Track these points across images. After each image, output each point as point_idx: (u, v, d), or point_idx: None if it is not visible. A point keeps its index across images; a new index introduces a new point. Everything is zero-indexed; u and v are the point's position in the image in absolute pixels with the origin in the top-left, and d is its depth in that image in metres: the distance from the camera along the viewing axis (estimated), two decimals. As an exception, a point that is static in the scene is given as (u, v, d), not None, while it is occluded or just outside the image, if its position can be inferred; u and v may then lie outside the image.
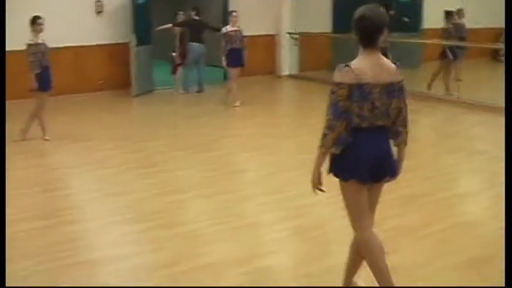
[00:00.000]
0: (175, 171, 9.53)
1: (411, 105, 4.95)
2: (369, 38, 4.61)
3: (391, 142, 4.81)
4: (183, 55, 16.29)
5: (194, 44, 16.03)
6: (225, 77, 17.11)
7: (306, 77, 18.20)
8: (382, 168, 4.75)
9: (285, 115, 15.01)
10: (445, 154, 10.53)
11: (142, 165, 9.86)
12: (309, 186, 4.80)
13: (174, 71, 16.66)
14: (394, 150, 4.86)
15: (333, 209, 5.03)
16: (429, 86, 15.69)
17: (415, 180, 8.67)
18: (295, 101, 17.30)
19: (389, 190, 7.42)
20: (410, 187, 8.33)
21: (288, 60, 19.48)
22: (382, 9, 4.69)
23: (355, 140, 4.61)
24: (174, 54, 16.33)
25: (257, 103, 15.08)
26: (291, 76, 19.33)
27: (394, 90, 4.67)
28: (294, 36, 19.29)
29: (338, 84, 4.55)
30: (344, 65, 4.57)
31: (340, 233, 5.32)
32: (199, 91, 16.54)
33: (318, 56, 18.56)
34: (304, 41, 19.39)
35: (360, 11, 4.62)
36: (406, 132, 4.83)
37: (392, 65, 4.73)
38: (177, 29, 16.24)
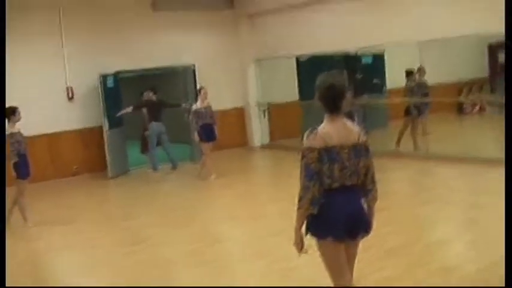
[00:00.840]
0: (160, 247, 9.69)
1: (384, 163, 5.25)
2: (334, 104, 4.96)
3: (363, 200, 5.09)
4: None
5: (153, 123, 16.31)
6: (192, 153, 17.56)
7: (278, 146, 18.52)
8: (357, 225, 5.02)
9: (260, 184, 15.24)
10: (419, 206, 10.81)
11: (127, 244, 10.00)
12: (293, 249, 5.06)
13: (143, 150, 16.90)
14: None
15: (318, 270, 5.25)
16: (398, 143, 16.07)
17: (391, 234, 8.95)
18: (270, 169, 17.56)
19: (368, 246, 7.69)
20: (388, 241, 8.59)
21: (258, 131, 19.83)
22: (342, 76, 5.06)
23: (328, 201, 4.89)
24: (146, 132, 16.56)
25: (232, 174, 15.32)
26: (263, 146, 19.64)
27: (360, 150, 5.00)
28: (262, 107, 19.66)
29: (308, 148, 4.87)
30: (311, 130, 4.91)
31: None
32: (173, 168, 16.76)
33: (288, 125, 18.86)
34: (273, 110, 19.74)
35: (324, 80, 4.98)
36: (375, 189, 5.15)
37: (356, 127, 5.09)
38: (144, 109, 16.54)
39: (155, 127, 16.30)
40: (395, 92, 17.86)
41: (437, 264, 7.66)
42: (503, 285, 6.44)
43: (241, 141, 19.62)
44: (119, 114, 16.37)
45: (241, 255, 8.99)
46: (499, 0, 12.82)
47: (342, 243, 5.01)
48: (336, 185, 4.90)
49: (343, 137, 4.94)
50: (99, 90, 16.24)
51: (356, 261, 5.27)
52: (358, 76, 18.96)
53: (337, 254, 5.02)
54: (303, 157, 4.89)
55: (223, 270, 8.20)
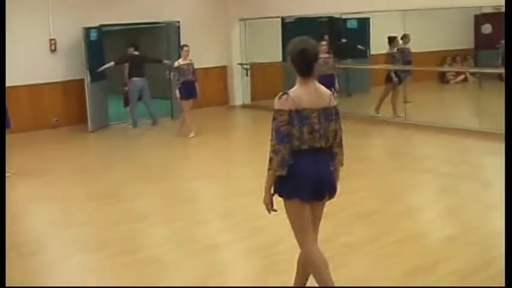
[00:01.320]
0: (132, 201, 9.77)
1: (362, 128, 5.32)
2: (306, 68, 5.03)
3: (330, 163, 5.17)
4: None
5: (135, 78, 16.34)
6: (172, 109, 17.65)
7: (259, 106, 18.52)
8: (323, 187, 5.11)
9: (238, 143, 15.33)
10: (393, 173, 10.92)
11: (100, 197, 10.08)
12: (262, 209, 5.16)
13: (125, 104, 16.91)
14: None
15: (285, 229, 5.34)
16: (377, 109, 16.13)
17: (364, 199, 9.13)
18: (248, 129, 17.62)
19: (339, 209, 7.85)
20: (360, 205, 8.76)
21: (240, 90, 19.83)
22: (313, 41, 5.12)
23: (296, 162, 4.97)
24: (126, 88, 16.59)
25: (211, 133, 15.34)
26: (243, 106, 19.65)
27: (330, 114, 5.06)
28: (245, 66, 19.66)
29: (278, 111, 4.95)
30: (282, 93, 4.97)
31: (291, 251, 5.63)
32: (153, 124, 16.82)
33: (270, 86, 18.81)
34: (256, 71, 19.76)
35: (297, 45, 5.05)
36: (342, 154, 5.22)
37: (328, 91, 5.15)
38: (126, 65, 16.55)
39: (137, 82, 16.32)
40: (379, 58, 17.86)
41: (404, 232, 7.73)
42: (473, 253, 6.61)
43: (223, 100, 19.60)
44: (101, 69, 16.31)
45: (210, 214, 9.09)
46: None
47: (307, 204, 5.09)
48: (304, 147, 4.98)
49: (314, 100, 5.01)
50: (82, 43, 16.13)
51: (324, 222, 5.35)
52: (343, 40, 18.98)
53: (303, 214, 5.10)
54: (274, 119, 4.97)
55: (191, 228, 8.26)
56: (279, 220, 5.47)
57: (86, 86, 16.18)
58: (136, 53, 16.56)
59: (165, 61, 16.60)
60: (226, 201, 9.49)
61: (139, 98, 16.56)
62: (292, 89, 5.06)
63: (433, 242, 7.43)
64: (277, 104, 4.98)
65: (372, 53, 19.67)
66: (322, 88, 5.15)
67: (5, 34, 9.36)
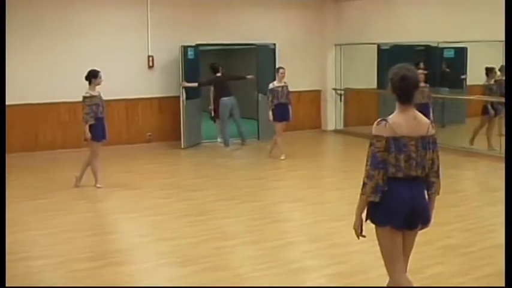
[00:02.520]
0: (221, 220, 9.86)
1: (456, 159, 5.28)
2: (407, 95, 5.04)
3: (425, 192, 5.14)
4: (216, 110, 16.88)
5: (223, 98, 16.61)
6: (259, 130, 17.89)
7: (351, 132, 18.48)
8: (416, 216, 5.08)
9: (329, 168, 15.30)
10: (485, 207, 10.73)
11: (191, 213, 10.21)
12: (351, 235, 5.17)
13: (214, 120, 17.27)
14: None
15: (374, 257, 5.31)
16: (471, 141, 15.85)
17: (455, 232, 8.99)
18: (340, 155, 17.55)
19: (431, 241, 7.78)
20: (451, 238, 8.63)
21: (333, 115, 19.83)
22: (415, 68, 5.15)
23: (391, 189, 4.97)
24: (210, 107, 16.90)
25: (302, 156, 15.38)
26: (336, 131, 19.63)
27: (428, 143, 5.05)
28: (339, 91, 19.65)
29: (376, 136, 4.97)
30: (381, 119, 4.98)
31: (379, 280, 5.59)
32: (243, 143, 16.99)
33: (363, 112, 18.78)
34: (349, 96, 19.74)
35: (398, 71, 5.04)
36: (439, 183, 5.20)
37: (426, 120, 5.14)
38: (212, 87, 16.97)
39: (226, 102, 16.57)
40: (475, 89, 17.58)
41: (495, 267, 7.59)
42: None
43: (315, 124, 19.63)
44: (185, 85, 16.55)
45: (298, 237, 9.06)
46: None
47: (399, 233, 5.08)
48: (400, 174, 4.97)
49: (412, 128, 5.00)
50: (180, 61, 16.48)
51: (414, 252, 5.31)
52: (447, 69, 18.74)
53: (394, 242, 5.09)
54: (370, 145, 4.99)
55: (278, 249, 8.28)
56: (368, 247, 5.46)
57: (181, 103, 16.44)
58: (218, 74, 16.80)
59: (248, 76, 16.70)
60: (315, 225, 9.47)
61: (230, 116, 16.78)
62: (391, 115, 5.06)
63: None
64: (375, 129, 4.99)
65: (468, 83, 19.37)
66: (421, 116, 5.13)
67: (5, 34, 9.64)
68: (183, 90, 16.37)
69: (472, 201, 11.16)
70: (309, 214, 10.21)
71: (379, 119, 5.01)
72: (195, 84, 16.64)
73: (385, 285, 5.27)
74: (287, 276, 7.24)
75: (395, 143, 4.93)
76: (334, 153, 17.91)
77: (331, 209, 10.37)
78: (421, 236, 5.33)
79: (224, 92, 16.65)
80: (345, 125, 19.71)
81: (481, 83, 16.12)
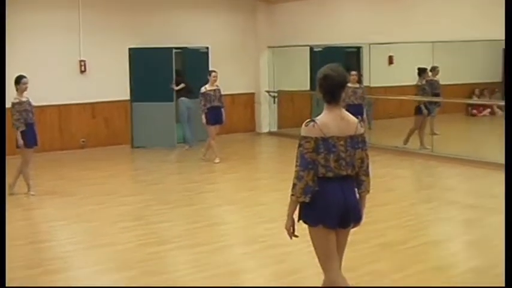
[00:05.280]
0: (157, 224, 9.77)
1: (389, 158, 5.32)
2: (332, 94, 5.05)
3: (356, 191, 5.18)
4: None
5: (182, 98, 17.02)
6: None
7: (285, 133, 18.56)
8: (348, 215, 5.10)
9: (264, 170, 15.31)
10: (419, 204, 10.87)
11: (126, 219, 10.11)
12: (287, 236, 5.18)
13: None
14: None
15: (309, 257, 5.33)
16: (406, 141, 16.04)
17: (390, 229, 9.10)
18: (275, 156, 17.61)
19: (366, 239, 7.85)
20: (386, 236, 8.72)
21: (267, 117, 19.89)
22: (342, 68, 5.13)
23: (322, 189, 4.98)
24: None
25: (237, 159, 15.41)
26: (270, 133, 19.71)
27: (357, 142, 5.08)
28: (273, 94, 19.71)
29: (305, 137, 4.97)
30: (310, 120, 5.00)
31: (315, 278, 5.62)
32: (189, 146, 16.97)
33: (297, 113, 18.86)
34: (283, 98, 19.82)
35: (323, 70, 5.07)
36: (369, 182, 5.22)
37: (354, 119, 5.17)
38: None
39: (185, 102, 17.01)
40: (408, 89, 17.78)
41: (430, 263, 7.71)
42: (499, 285, 6.54)
43: (249, 127, 19.66)
44: (176, 88, 17.20)
45: (235, 239, 9.05)
46: None
47: (332, 231, 5.09)
48: (330, 174, 4.99)
49: (341, 128, 5.02)
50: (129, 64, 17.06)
51: (350, 251, 5.34)
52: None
53: (327, 241, 5.10)
54: (299, 146, 4.99)
55: (215, 252, 8.25)
56: (304, 247, 5.48)
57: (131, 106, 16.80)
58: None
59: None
60: (252, 227, 9.48)
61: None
62: (319, 116, 5.07)
63: (457, 273, 7.36)
64: (303, 131, 5.00)
65: (399, 84, 19.55)
66: (349, 116, 5.16)
67: (5, 34, 9.47)
68: (131, 93, 16.82)
69: (406, 199, 11.29)
70: (245, 216, 10.23)
71: (307, 120, 5.03)
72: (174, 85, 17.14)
73: (321, 283, 5.30)
74: (224, 278, 7.21)
75: (324, 143, 4.95)
76: (269, 155, 17.96)
77: (267, 211, 10.38)
78: (357, 234, 5.38)
79: (182, 93, 17.02)
80: (279, 127, 19.79)
81: (412, 84, 16.32)
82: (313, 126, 4.97)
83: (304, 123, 5.03)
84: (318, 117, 5.05)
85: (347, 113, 5.17)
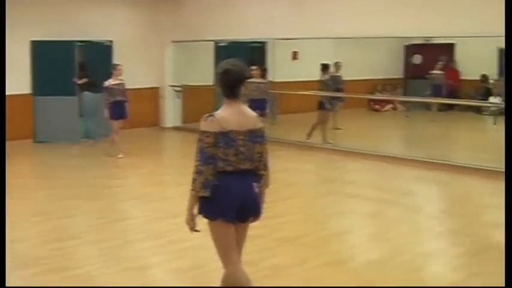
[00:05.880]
0: (61, 220, 9.68)
1: (292, 153, 5.41)
2: (231, 89, 5.13)
3: (255, 185, 5.25)
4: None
5: (86, 93, 16.94)
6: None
7: (190, 128, 18.55)
8: (247, 209, 5.20)
9: (168, 165, 15.33)
10: (320, 198, 11.10)
11: (32, 215, 9.98)
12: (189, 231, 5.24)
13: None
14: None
15: (212, 251, 5.39)
16: (309, 135, 16.26)
17: (291, 223, 9.27)
18: (179, 151, 17.60)
19: (266, 232, 7.98)
20: (286, 230, 8.86)
21: (171, 112, 19.90)
22: (242, 63, 5.22)
23: (221, 183, 5.05)
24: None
25: (141, 154, 15.34)
26: (174, 128, 19.70)
27: (256, 136, 5.17)
28: (177, 88, 19.71)
29: (204, 132, 5.04)
30: (209, 115, 5.06)
31: (217, 273, 5.68)
32: (94, 142, 16.78)
33: (201, 108, 18.52)
34: (188, 93, 19.81)
35: (223, 65, 5.15)
36: (268, 175, 5.31)
37: (253, 113, 5.25)
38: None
39: (88, 96, 16.86)
40: (312, 84, 18.02)
41: (332, 255, 7.88)
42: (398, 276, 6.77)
43: (154, 121, 19.63)
44: (79, 82, 16.99)
45: (140, 234, 9.04)
46: (421, 5, 13.48)
47: (231, 225, 5.17)
48: (229, 168, 5.06)
49: (240, 122, 5.10)
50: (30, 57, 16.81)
51: (250, 245, 5.43)
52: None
53: (227, 235, 5.18)
54: (199, 140, 5.05)
55: (121, 247, 8.26)
56: (206, 242, 5.51)
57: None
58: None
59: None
60: (156, 222, 9.50)
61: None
62: (218, 111, 5.14)
63: (358, 265, 7.56)
64: (202, 125, 5.06)
65: (302, 79, 19.80)
66: (248, 110, 5.25)
67: (5, 34, 9.25)
68: (33, 87, 16.85)
69: (307, 193, 11.50)
70: (149, 211, 10.23)
71: (206, 115, 5.08)
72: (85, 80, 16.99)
73: (222, 278, 5.37)
74: (129, 274, 7.23)
75: (224, 137, 5.01)
76: (173, 150, 17.97)
77: (171, 206, 10.39)
78: (258, 228, 5.47)
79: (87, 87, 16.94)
80: (184, 121, 19.79)
81: (317, 78, 16.56)
82: (212, 120, 5.03)
83: (203, 117, 5.08)
84: (217, 112, 5.11)
85: (246, 107, 5.26)
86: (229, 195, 5.07)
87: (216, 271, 6.08)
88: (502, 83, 22.68)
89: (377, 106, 23.52)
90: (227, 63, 5.15)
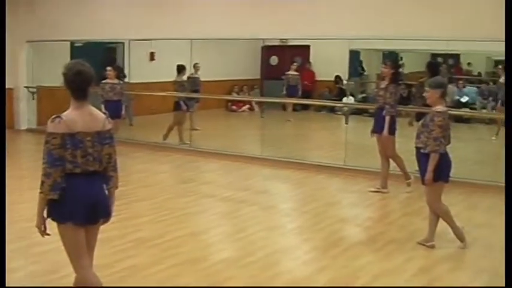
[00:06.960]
0: None
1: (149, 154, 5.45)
2: (81, 90, 5.14)
3: (104, 186, 5.28)
4: None
5: None
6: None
7: (45, 130, 18.14)
8: (97, 211, 5.20)
9: (24, 168, 14.97)
10: (177, 198, 11.13)
11: None
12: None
13: None
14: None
15: (65, 256, 5.35)
16: (166, 136, 16.32)
17: (147, 224, 9.29)
18: (34, 154, 17.11)
19: (121, 234, 7.98)
20: (142, 231, 8.89)
21: (26, 114, 19.51)
22: (88, 65, 5.21)
23: (69, 185, 5.03)
24: None
25: (-6, 157, 14.97)
26: (29, 130, 19.30)
27: (105, 138, 5.18)
28: (32, 89, 19.32)
29: (51, 134, 5.00)
30: (56, 116, 5.04)
31: (69, 277, 5.61)
32: None
33: (58, 110, 17.97)
34: (43, 94, 19.41)
35: (73, 66, 5.14)
36: (117, 177, 5.35)
37: (102, 115, 5.27)
38: None
39: None
40: (168, 85, 18.07)
41: (186, 255, 7.96)
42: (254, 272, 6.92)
43: (8, 123, 19.04)
44: None
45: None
46: (275, 7, 13.83)
47: (81, 228, 5.14)
48: (78, 170, 5.03)
49: (88, 123, 5.09)
50: None
51: (106, 248, 5.45)
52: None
53: (77, 238, 5.15)
54: (46, 142, 5.01)
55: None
56: (59, 246, 5.46)
57: None
58: None
59: None
60: (13, 226, 9.30)
61: None
62: (66, 112, 5.11)
63: (209, 265, 7.66)
64: (50, 127, 5.02)
65: (158, 81, 19.82)
66: (97, 112, 5.26)
67: (5, 34, 8.80)
68: None
69: (164, 194, 11.52)
70: (7, 215, 9.97)
71: (53, 116, 5.05)
72: None
73: (73, 282, 5.37)
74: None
75: (71, 139, 4.99)
76: (28, 153, 17.54)
77: (25, 210, 10.12)
78: (113, 230, 5.52)
79: None
80: (39, 123, 19.34)
81: (170, 80, 16.64)
82: (59, 122, 5.00)
83: (50, 119, 5.04)
84: (64, 113, 5.08)
85: (94, 108, 5.26)
86: (79, 198, 5.05)
87: (68, 276, 6.06)
88: (353, 84, 23.60)
89: (234, 107, 23.85)
90: (77, 64, 5.13)
